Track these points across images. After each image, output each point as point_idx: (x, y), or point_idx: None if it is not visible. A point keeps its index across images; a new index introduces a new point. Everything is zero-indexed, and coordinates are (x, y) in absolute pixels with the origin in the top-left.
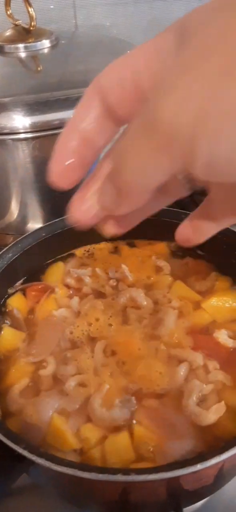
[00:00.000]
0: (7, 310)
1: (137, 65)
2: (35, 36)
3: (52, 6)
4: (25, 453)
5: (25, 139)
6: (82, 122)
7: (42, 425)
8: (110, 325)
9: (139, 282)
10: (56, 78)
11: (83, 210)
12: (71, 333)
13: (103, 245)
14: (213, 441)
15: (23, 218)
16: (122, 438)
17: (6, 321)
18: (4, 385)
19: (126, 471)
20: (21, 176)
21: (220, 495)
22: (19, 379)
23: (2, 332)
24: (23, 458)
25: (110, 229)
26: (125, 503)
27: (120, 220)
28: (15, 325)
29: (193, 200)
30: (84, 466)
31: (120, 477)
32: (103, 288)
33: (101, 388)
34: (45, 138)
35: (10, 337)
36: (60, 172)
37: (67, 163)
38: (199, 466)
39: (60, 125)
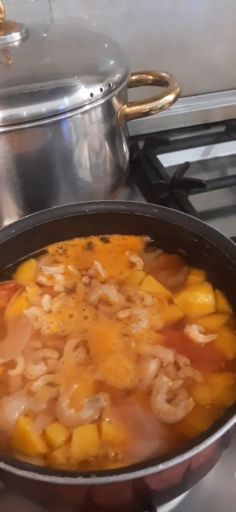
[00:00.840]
0: None
1: None
2: (4, 29)
3: (32, 0)
4: None
5: None
6: None
7: (8, 428)
8: (85, 318)
9: (112, 278)
10: (27, 72)
11: None
12: (44, 330)
13: (76, 241)
14: (180, 440)
15: None
16: (90, 430)
17: None
18: None
19: (86, 474)
20: None
21: (197, 492)
22: None
23: None
24: None
25: None
26: (93, 506)
27: None
28: None
29: (173, 195)
30: (44, 469)
31: (80, 480)
32: (75, 286)
33: (70, 388)
34: (16, 133)
35: None
36: None
37: None
38: (161, 467)
39: (31, 118)
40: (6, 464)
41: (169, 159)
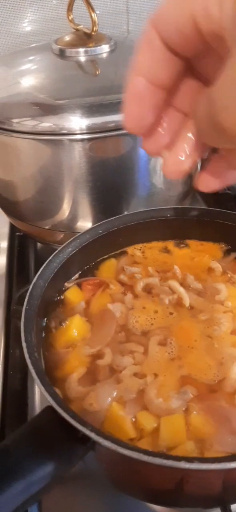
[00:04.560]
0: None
1: (194, 9)
2: (95, 41)
3: (111, 12)
4: (92, 435)
5: (81, 140)
6: (145, 65)
7: (101, 412)
8: (171, 314)
9: (191, 283)
10: (113, 82)
11: (176, 160)
12: (130, 325)
13: (154, 244)
14: None
15: (74, 217)
16: (178, 419)
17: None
18: (63, 372)
19: (189, 459)
20: (75, 176)
21: None
22: (77, 367)
23: (71, 322)
24: (86, 441)
25: (206, 183)
26: (178, 493)
27: (215, 172)
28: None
29: None
30: (148, 451)
31: (183, 464)
32: (154, 287)
33: (157, 379)
34: (100, 140)
35: (80, 327)
36: (132, 117)
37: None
38: None
39: (115, 127)
40: (112, 443)
41: None
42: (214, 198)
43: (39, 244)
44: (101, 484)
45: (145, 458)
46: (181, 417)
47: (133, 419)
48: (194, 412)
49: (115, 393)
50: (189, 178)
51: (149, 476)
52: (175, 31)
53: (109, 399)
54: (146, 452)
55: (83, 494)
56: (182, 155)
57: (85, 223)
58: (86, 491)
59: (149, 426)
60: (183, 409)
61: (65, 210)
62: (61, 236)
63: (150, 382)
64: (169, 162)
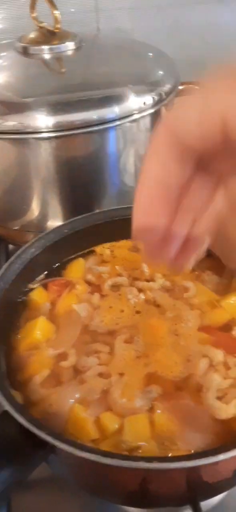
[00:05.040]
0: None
1: (227, 112)
2: (59, 38)
3: (72, 10)
4: (48, 438)
5: (48, 138)
6: (157, 174)
7: (63, 414)
8: (137, 312)
9: (159, 279)
10: (79, 80)
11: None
12: (96, 325)
13: (123, 243)
14: (231, 436)
15: (43, 216)
16: (142, 418)
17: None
18: (26, 375)
19: (148, 459)
20: (43, 175)
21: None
22: (40, 369)
23: (35, 324)
24: (45, 445)
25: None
26: (144, 493)
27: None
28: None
29: None
30: (107, 452)
31: (142, 464)
32: (122, 285)
33: (121, 379)
34: (67, 138)
35: (44, 328)
36: (144, 227)
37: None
38: (221, 457)
39: (82, 125)
40: (70, 446)
41: None
42: None
43: (11, 246)
44: (71, 487)
45: (103, 460)
46: (145, 417)
47: (96, 420)
48: (158, 411)
49: (78, 395)
50: None
51: (112, 477)
52: (198, 136)
53: (72, 400)
54: (104, 454)
55: (54, 497)
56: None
57: (55, 223)
58: (57, 494)
59: (112, 426)
60: (147, 408)
61: (34, 210)
62: (32, 236)
63: (115, 382)
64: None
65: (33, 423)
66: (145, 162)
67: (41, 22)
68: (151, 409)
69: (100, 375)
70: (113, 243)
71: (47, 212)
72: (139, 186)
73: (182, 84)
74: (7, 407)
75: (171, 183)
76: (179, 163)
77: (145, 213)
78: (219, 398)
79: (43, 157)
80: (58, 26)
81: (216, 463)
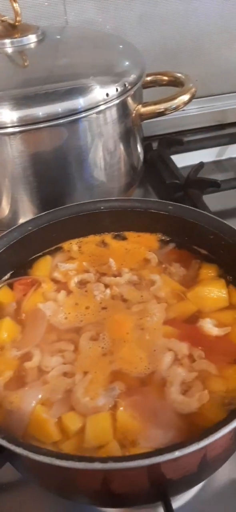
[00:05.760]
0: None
1: None
2: (21, 31)
3: (46, 4)
4: (3, 442)
5: (13, 133)
6: None
7: (25, 416)
8: (103, 308)
9: (126, 274)
10: (43, 73)
11: None
12: (60, 323)
13: (90, 238)
14: (195, 431)
15: (13, 214)
16: (104, 417)
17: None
18: None
19: (103, 459)
20: (10, 171)
21: (212, 484)
22: (3, 371)
23: (1, 325)
24: (3, 449)
25: None
26: (108, 493)
27: None
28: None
29: (187, 195)
30: (61, 454)
31: (97, 465)
32: (89, 282)
33: (85, 378)
34: (32, 132)
35: (9, 329)
36: None
37: None
38: (177, 453)
39: (46, 118)
40: (24, 449)
41: (183, 160)
42: (163, 187)
43: None
44: (37, 490)
45: (57, 462)
46: (107, 415)
47: (58, 421)
48: (121, 408)
49: (40, 395)
50: (132, 169)
51: (73, 479)
52: None
53: (34, 402)
54: (58, 456)
55: (25, 498)
56: None
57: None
58: (29, 498)
59: (74, 427)
60: (110, 406)
61: (4, 208)
62: None
63: (79, 380)
64: None
65: None
66: None
67: (3, 16)
68: (114, 407)
69: (65, 374)
70: (81, 239)
71: (17, 210)
72: None
73: (150, 75)
74: None
75: None
76: None
77: None
78: (184, 392)
79: (9, 152)
80: (19, 19)
81: (175, 459)
